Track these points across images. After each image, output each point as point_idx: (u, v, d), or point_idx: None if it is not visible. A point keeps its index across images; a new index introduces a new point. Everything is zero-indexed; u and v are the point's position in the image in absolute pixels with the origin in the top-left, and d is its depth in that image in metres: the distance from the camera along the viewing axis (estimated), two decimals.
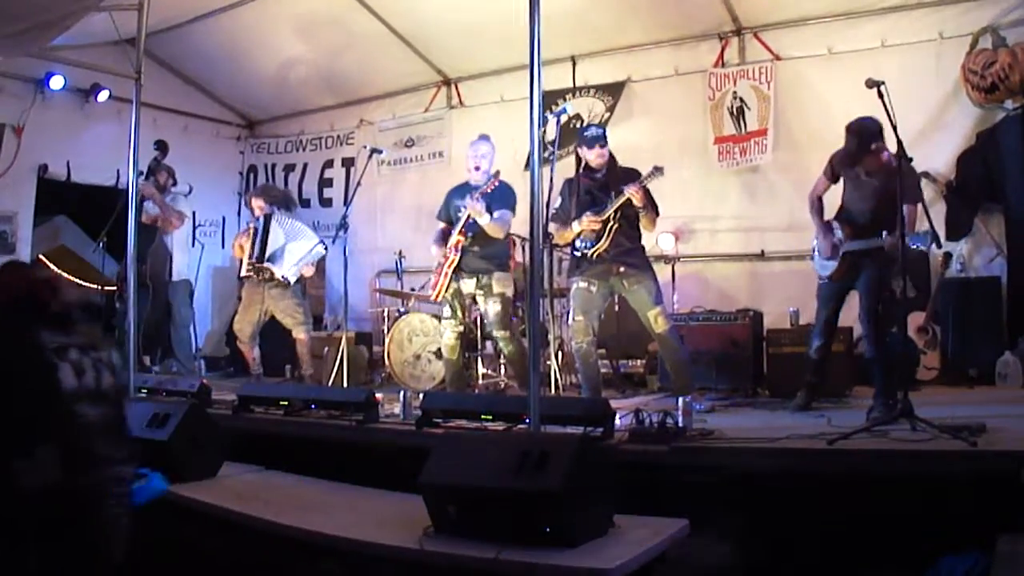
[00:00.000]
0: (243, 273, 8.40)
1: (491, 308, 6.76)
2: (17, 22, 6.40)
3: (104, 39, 7.79)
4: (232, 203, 12.21)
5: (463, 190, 6.86)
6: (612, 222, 6.03)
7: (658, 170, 5.97)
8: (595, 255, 6.07)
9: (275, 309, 8.26)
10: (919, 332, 7.20)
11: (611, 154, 6.30)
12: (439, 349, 7.93)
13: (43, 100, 9.80)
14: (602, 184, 6.17)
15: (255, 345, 8.38)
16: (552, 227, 6.38)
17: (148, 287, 8.89)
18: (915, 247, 5.17)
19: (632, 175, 6.07)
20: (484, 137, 7.04)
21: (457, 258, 6.76)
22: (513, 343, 6.84)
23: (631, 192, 5.89)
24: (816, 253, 5.94)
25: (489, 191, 6.66)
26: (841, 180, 5.83)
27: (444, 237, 6.92)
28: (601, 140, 6.20)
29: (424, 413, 5.34)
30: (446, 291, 6.84)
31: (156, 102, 10.29)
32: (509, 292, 6.85)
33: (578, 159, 6.38)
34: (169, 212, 8.97)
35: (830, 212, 5.94)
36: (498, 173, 6.77)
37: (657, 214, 6.18)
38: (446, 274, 6.78)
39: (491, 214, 6.61)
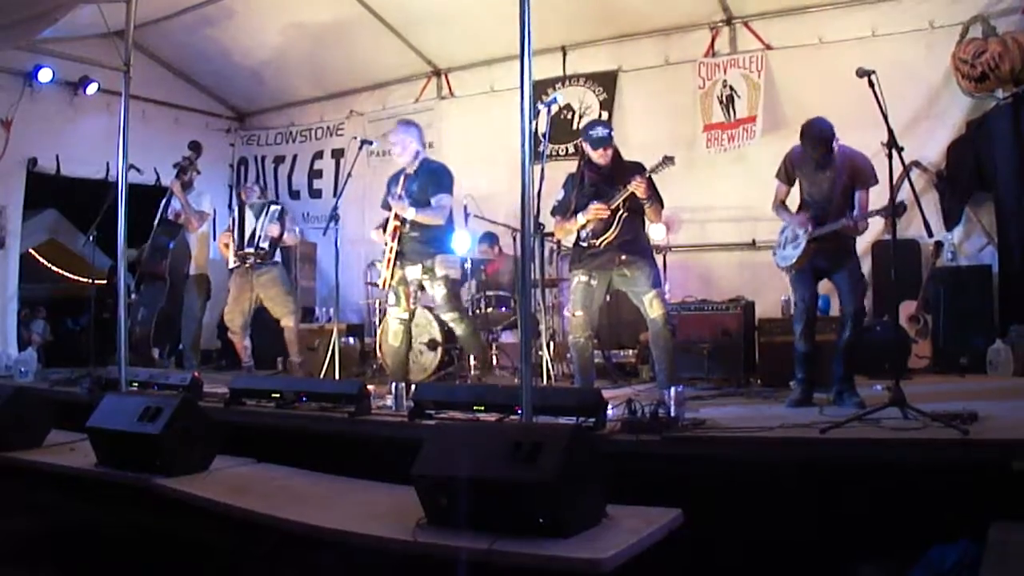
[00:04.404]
0: (231, 264, 8.50)
1: (437, 292, 6.70)
2: (5, 15, 6.37)
3: (93, 32, 7.77)
4: (223, 196, 12.19)
5: (400, 177, 6.83)
6: (622, 210, 6.00)
7: (668, 160, 5.92)
8: (603, 244, 6.04)
9: (264, 297, 8.35)
10: (910, 321, 7.22)
11: (615, 148, 6.26)
12: (431, 340, 7.95)
13: (32, 93, 9.79)
14: (607, 178, 6.12)
15: (246, 335, 8.42)
16: (553, 221, 6.37)
17: (166, 281, 8.89)
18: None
19: (636, 167, 6.03)
20: (401, 123, 6.96)
21: (396, 245, 6.70)
22: (463, 324, 6.79)
23: (635, 186, 5.85)
24: (776, 248, 5.90)
25: (411, 173, 6.68)
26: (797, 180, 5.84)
27: (386, 224, 6.87)
28: (607, 141, 6.12)
29: (416, 405, 5.33)
30: (392, 279, 6.78)
31: (145, 94, 10.31)
32: (453, 274, 6.77)
33: (581, 152, 6.32)
34: (190, 212, 8.94)
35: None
36: (418, 154, 6.74)
37: (662, 205, 6.14)
38: (389, 260, 6.73)
39: (429, 200, 6.60)
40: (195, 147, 9.10)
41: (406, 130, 6.80)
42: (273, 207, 8.49)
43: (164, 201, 8.90)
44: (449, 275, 6.71)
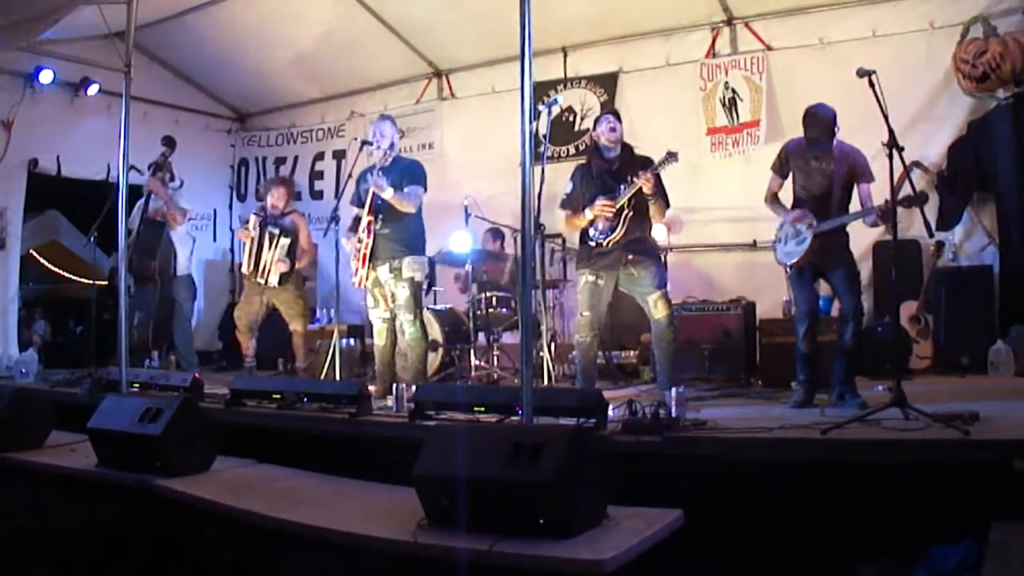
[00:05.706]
0: (245, 271, 8.48)
1: (400, 292, 6.69)
2: (5, 16, 6.37)
3: (93, 32, 7.76)
4: (224, 196, 12.22)
5: (372, 171, 6.83)
6: (627, 209, 6.01)
7: (672, 156, 5.90)
8: (611, 244, 6.03)
9: (276, 301, 8.37)
10: (911, 321, 7.22)
11: (625, 142, 6.26)
12: (431, 341, 7.93)
13: (33, 94, 9.80)
14: (615, 171, 6.12)
15: (253, 336, 8.41)
16: (562, 215, 6.38)
17: (157, 282, 8.87)
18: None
19: (646, 163, 6.03)
20: (383, 117, 7.08)
21: (371, 242, 6.70)
22: (415, 327, 6.75)
23: (642, 181, 5.84)
24: (777, 243, 5.86)
25: (387, 164, 6.74)
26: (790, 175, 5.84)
27: (356, 225, 6.87)
28: (616, 116, 6.22)
29: (417, 405, 5.33)
30: (367, 279, 6.78)
31: (146, 95, 10.31)
32: (419, 276, 6.77)
33: (590, 148, 6.33)
34: (173, 208, 8.90)
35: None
36: (392, 147, 6.82)
37: (667, 204, 6.13)
38: (364, 257, 6.71)
39: (402, 190, 6.61)
40: (169, 142, 9.01)
41: (384, 122, 6.94)
42: (284, 240, 8.25)
43: (143, 201, 8.74)
44: (415, 277, 6.72)
